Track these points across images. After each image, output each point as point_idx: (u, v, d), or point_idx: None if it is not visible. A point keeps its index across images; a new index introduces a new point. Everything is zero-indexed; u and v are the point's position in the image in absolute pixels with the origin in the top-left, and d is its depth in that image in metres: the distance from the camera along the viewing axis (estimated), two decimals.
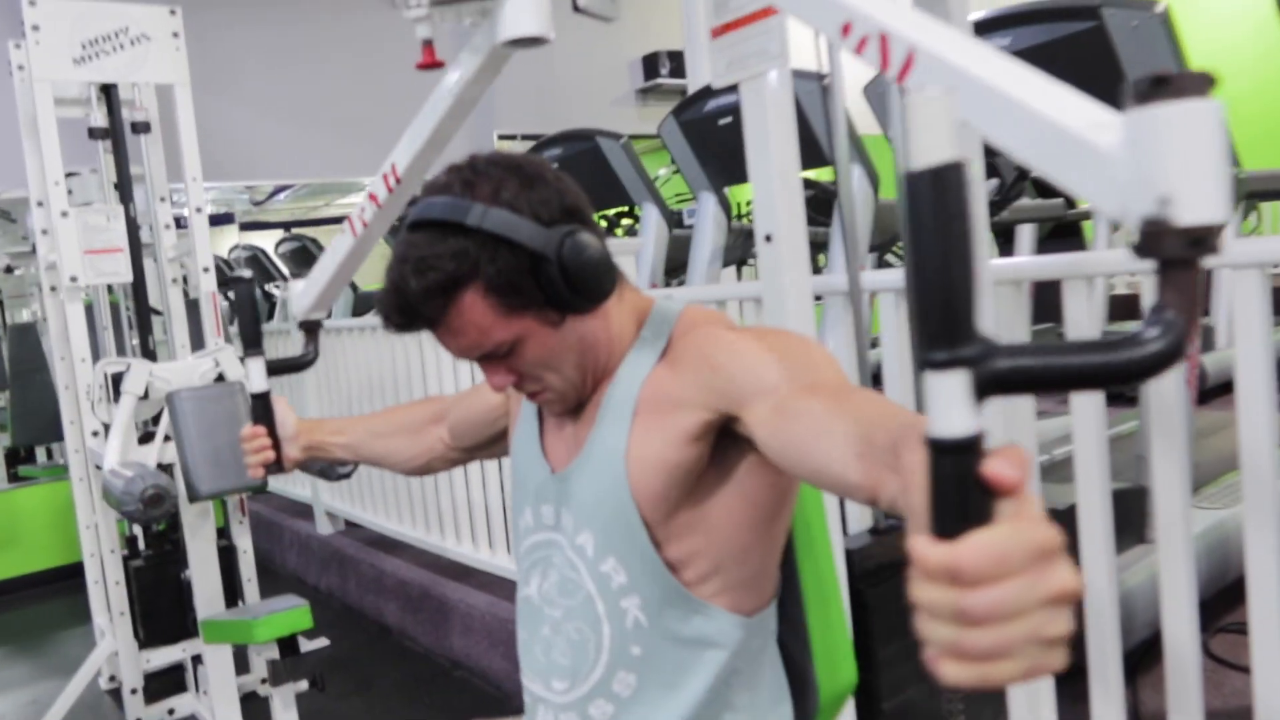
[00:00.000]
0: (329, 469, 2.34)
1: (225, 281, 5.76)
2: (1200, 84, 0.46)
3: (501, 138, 7.12)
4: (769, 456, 0.93)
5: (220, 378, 2.70)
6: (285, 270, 6.84)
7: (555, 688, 1.09)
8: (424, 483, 3.56)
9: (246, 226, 9.83)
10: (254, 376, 1.43)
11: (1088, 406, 1.58)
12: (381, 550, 3.80)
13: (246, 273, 1.41)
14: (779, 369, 0.94)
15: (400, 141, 1.35)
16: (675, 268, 4.33)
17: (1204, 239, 0.46)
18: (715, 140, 3.39)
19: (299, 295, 1.59)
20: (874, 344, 4.28)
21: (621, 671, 1.06)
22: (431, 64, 1.19)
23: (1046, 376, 0.45)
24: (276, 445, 1.46)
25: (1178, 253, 0.47)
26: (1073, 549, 1.66)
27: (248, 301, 1.39)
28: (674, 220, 4.07)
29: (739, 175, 3.51)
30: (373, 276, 6.71)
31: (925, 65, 0.68)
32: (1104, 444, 1.60)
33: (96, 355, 3.31)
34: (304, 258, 6.28)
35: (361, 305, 6.29)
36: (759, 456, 1.02)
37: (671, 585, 1.04)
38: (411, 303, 0.99)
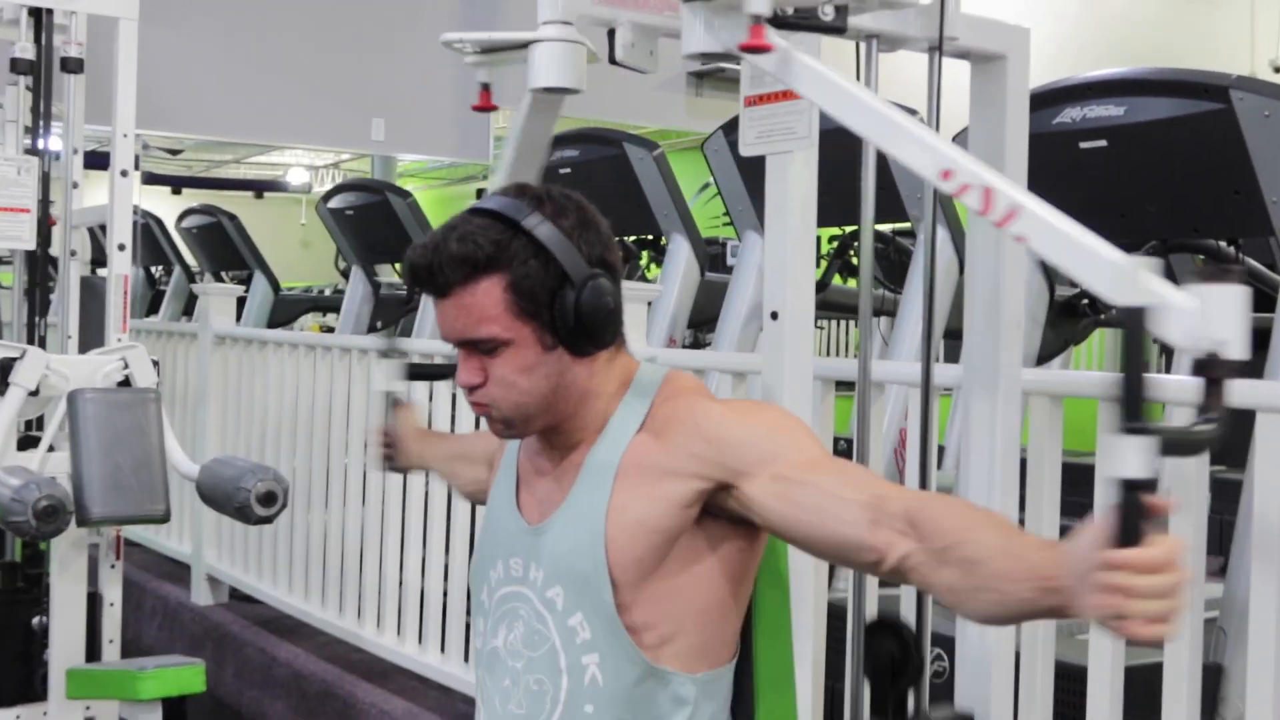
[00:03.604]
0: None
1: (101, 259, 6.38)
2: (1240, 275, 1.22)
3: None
4: (769, 522, 1.55)
5: (126, 381, 3.28)
6: (183, 248, 7.43)
7: None
8: (344, 554, 4.12)
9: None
10: (385, 376, 2.16)
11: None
12: (276, 633, 4.37)
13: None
14: (773, 441, 1.56)
15: (492, 179, 2.02)
16: (704, 320, 4.93)
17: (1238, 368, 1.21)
18: None
19: None
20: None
21: None
22: (485, 107, 1.81)
23: (1189, 443, 1.18)
24: (396, 446, 2.17)
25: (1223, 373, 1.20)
26: (1155, 712, 2.19)
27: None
28: (708, 259, 4.68)
29: None
30: (291, 275, 7.30)
31: (1028, 220, 1.40)
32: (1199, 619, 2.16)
33: None
34: (216, 241, 6.89)
35: (282, 311, 6.90)
36: (733, 526, 1.62)
37: (630, 649, 1.61)
38: (441, 262, 1.55)
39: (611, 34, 1.86)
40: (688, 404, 1.63)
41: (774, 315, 1.90)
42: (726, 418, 1.60)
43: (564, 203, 1.62)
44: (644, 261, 5.71)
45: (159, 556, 5.40)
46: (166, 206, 10.71)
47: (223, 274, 7.11)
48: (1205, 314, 1.23)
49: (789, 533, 1.55)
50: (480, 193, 12.22)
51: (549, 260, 1.56)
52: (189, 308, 7.30)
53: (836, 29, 1.66)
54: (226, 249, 6.89)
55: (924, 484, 2.15)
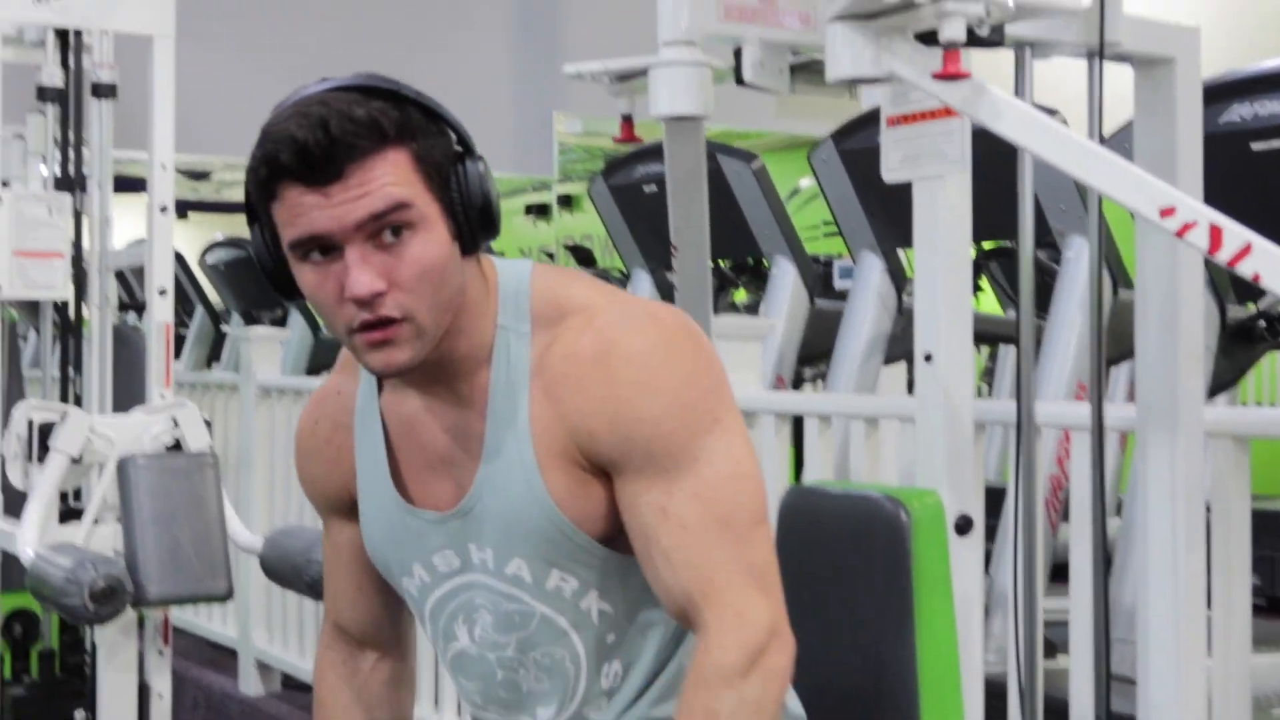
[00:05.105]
0: None
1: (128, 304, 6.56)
2: None
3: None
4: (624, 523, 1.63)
5: (176, 444, 3.44)
6: (208, 286, 7.61)
7: (540, 715, 1.76)
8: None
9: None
10: None
11: None
12: None
13: None
14: (677, 435, 1.58)
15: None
16: (815, 355, 5.04)
17: None
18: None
19: None
20: None
21: (605, 665, 1.71)
22: (628, 139, 1.96)
23: None
24: None
25: None
26: None
27: None
28: (817, 283, 4.79)
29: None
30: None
31: (1262, 258, 1.61)
32: None
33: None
34: (246, 278, 7.03)
35: (323, 356, 7.05)
36: None
37: (621, 561, 1.68)
38: (342, 132, 1.46)
39: (738, 53, 2.00)
40: (584, 355, 1.60)
41: (928, 358, 2.02)
42: (637, 389, 1.58)
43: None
44: (739, 296, 5.73)
45: (199, 641, 5.54)
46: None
47: (254, 315, 7.25)
48: None
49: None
50: (529, 209, 12.28)
51: (444, 130, 1.57)
52: (213, 354, 7.46)
53: (994, 42, 1.79)
54: (257, 286, 7.01)
55: (1100, 539, 2.27)
